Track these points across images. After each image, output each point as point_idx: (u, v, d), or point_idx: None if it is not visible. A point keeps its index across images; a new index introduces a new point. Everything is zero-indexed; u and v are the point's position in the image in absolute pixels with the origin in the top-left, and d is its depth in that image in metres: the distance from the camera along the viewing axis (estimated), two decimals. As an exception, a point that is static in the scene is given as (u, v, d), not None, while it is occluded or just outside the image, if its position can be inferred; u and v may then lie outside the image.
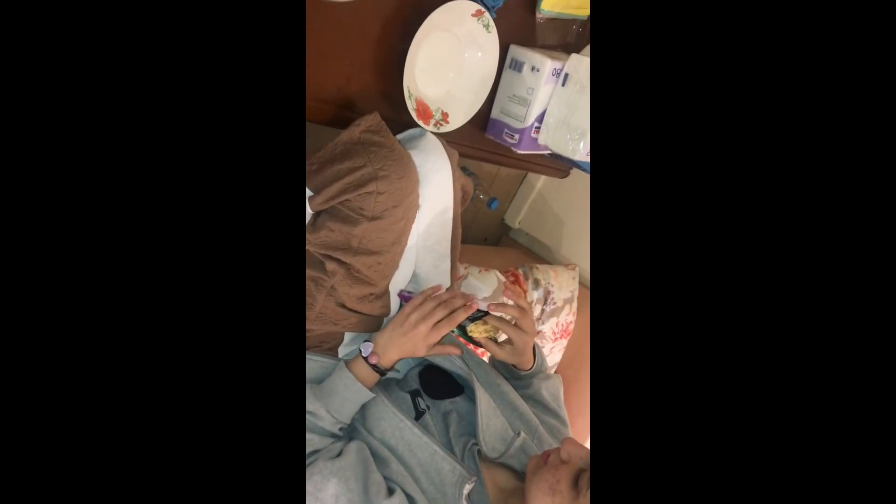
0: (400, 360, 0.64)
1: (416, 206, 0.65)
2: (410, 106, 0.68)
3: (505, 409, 0.64)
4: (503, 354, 0.69)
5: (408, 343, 0.62)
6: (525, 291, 1.25)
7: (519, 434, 0.60)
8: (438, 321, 0.62)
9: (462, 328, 0.66)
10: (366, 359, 0.62)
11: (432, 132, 0.73)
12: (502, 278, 1.18)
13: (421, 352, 0.63)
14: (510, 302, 0.69)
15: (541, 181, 1.66)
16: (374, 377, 0.62)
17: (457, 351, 0.66)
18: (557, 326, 1.37)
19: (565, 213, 1.61)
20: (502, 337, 0.69)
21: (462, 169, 1.21)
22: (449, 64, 0.74)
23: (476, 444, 0.59)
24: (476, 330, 0.67)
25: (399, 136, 0.70)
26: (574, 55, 0.75)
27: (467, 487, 0.54)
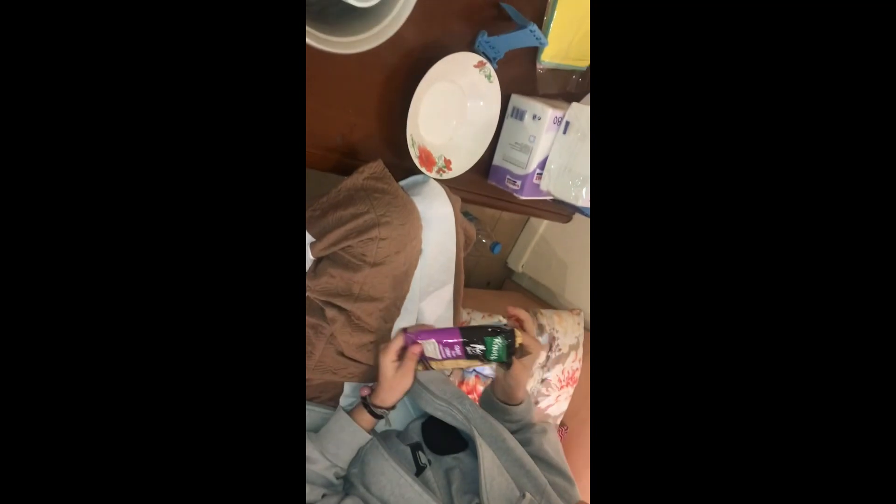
0: (392, 400, 0.62)
1: (419, 252, 0.64)
2: (413, 154, 0.69)
3: (511, 466, 0.61)
4: (500, 373, 0.67)
5: (384, 377, 0.61)
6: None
7: (524, 496, 0.57)
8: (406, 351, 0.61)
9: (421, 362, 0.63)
10: (363, 399, 0.61)
11: (434, 178, 0.73)
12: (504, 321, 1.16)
13: (396, 383, 0.61)
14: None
15: (543, 225, 1.66)
16: (370, 421, 0.61)
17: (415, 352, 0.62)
18: (563, 374, 1.33)
19: (568, 257, 1.60)
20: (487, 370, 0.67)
21: (464, 214, 1.21)
22: (451, 113, 0.75)
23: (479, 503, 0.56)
24: (437, 364, 0.63)
25: (402, 183, 0.70)
26: (574, 104, 0.76)
27: None
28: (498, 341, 0.58)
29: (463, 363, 0.61)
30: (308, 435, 0.60)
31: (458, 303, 0.75)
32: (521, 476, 0.61)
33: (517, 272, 1.73)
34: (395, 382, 0.60)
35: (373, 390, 0.62)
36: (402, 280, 0.63)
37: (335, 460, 0.58)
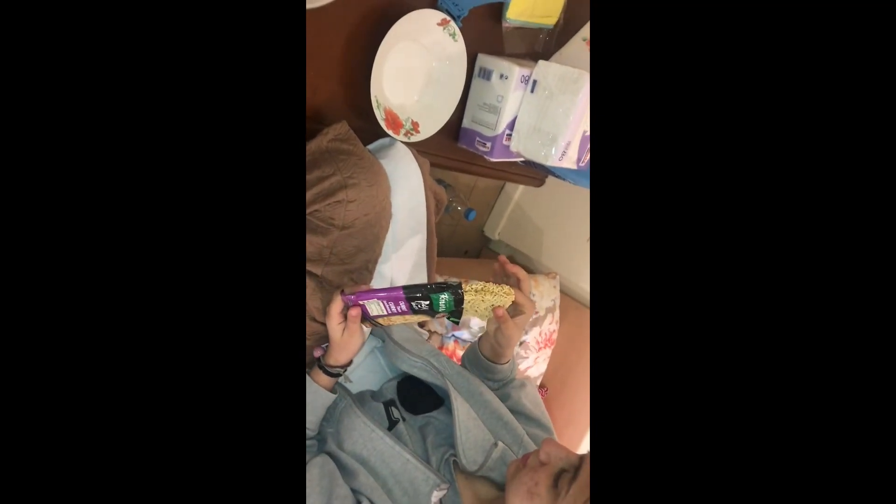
0: (345, 359, 0.61)
1: (389, 215, 0.64)
2: (379, 116, 0.68)
3: (488, 419, 0.62)
4: (492, 329, 0.66)
5: (332, 339, 0.60)
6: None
7: (496, 444, 0.58)
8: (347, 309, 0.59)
9: (366, 320, 0.61)
10: (318, 359, 0.61)
11: (402, 141, 0.72)
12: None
13: (345, 343, 0.60)
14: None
15: (518, 192, 1.67)
16: (328, 380, 0.62)
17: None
18: (541, 336, 1.36)
19: (543, 222, 1.62)
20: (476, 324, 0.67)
21: (438, 181, 1.20)
22: (417, 73, 0.74)
23: (454, 454, 0.57)
24: (385, 320, 0.61)
25: (369, 147, 0.69)
26: (542, 62, 0.76)
27: (436, 495, 0.52)
28: (445, 296, 0.57)
29: (411, 318, 0.60)
30: None
31: (432, 266, 0.75)
32: (498, 427, 0.62)
33: (494, 240, 1.74)
34: (343, 343, 0.60)
35: (326, 350, 0.63)
36: (372, 242, 0.63)
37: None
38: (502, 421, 0.63)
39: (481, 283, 0.62)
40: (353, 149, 0.60)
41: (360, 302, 0.59)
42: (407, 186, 0.65)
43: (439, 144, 0.83)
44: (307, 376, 0.62)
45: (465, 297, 0.59)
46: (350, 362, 0.64)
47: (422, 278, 0.74)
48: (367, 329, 0.70)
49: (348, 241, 0.59)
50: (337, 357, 0.61)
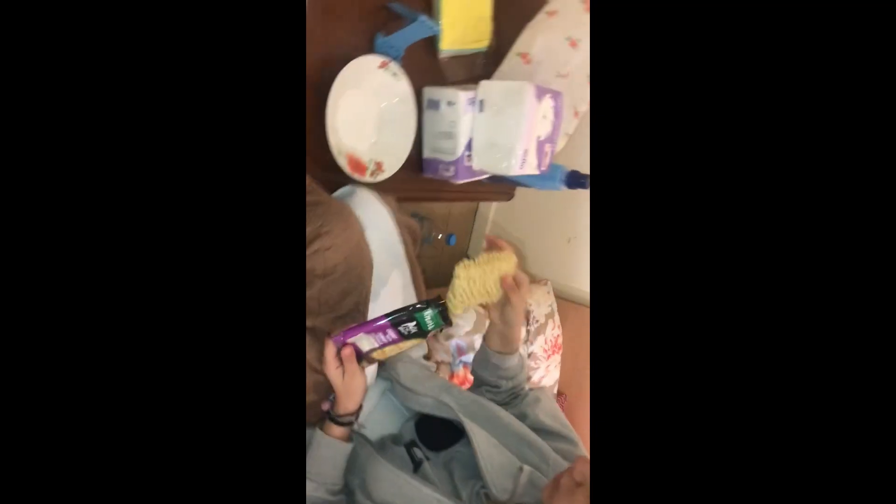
0: (354, 405, 0.61)
1: (370, 255, 0.65)
2: (342, 163, 0.70)
3: (511, 441, 0.61)
4: (496, 316, 0.66)
5: (337, 382, 0.60)
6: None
7: (522, 468, 0.56)
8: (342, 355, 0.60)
9: (362, 358, 0.61)
10: (327, 412, 0.61)
11: (369, 182, 0.75)
12: (480, 310, 1.19)
13: (349, 387, 0.60)
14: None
15: (492, 211, 1.70)
16: (342, 431, 0.61)
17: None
18: (547, 343, 1.36)
19: (522, 233, 1.65)
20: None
21: (414, 215, 1.23)
22: (369, 116, 0.77)
23: (483, 486, 0.56)
24: (380, 353, 0.61)
25: (333, 196, 0.72)
26: (483, 82, 0.80)
27: None
28: (429, 312, 0.56)
29: (405, 344, 0.60)
30: None
31: (421, 296, 0.76)
32: (522, 448, 0.60)
33: (480, 261, 1.76)
34: (346, 387, 0.60)
35: (332, 402, 0.62)
36: (357, 284, 0.64)
37: (320, 479, 0.58)
38: (525, 441, 0.61)
39: (483, 255, 0.64)
40: (319, 199, 0.62)
41: (349, 341, 0.59)
42: (378, 227, 0.67)
43: (406, 179, 0.86)
44: (320, 432, 0.61)
45: (474, 274, 0.61)
46: (360, 408, 0.63)
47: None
48: (371, 369, 0.70)
49: (333, 287, 0.61)
50: (345, 405, 0.61)
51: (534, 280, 1.56)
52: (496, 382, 0.71)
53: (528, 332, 1.32)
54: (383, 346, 0.59)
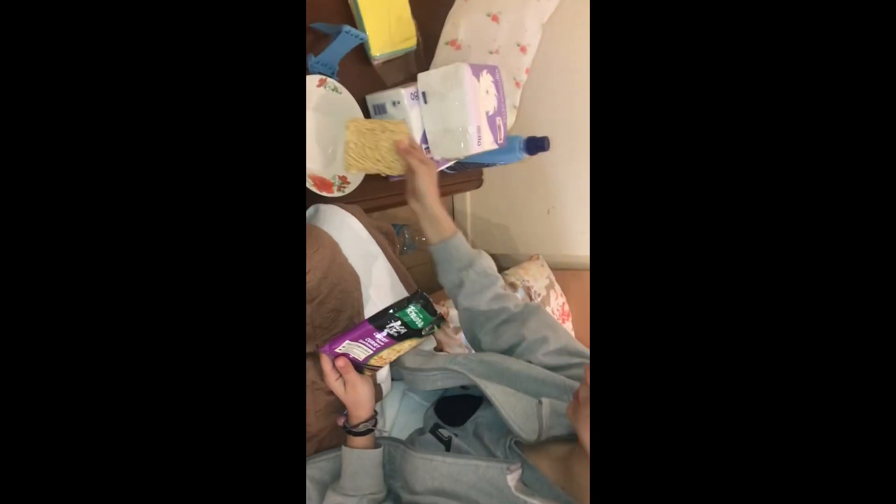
0: (365, 412, 0.63)
1: (350, 268, 0.66)
2: (308, 184, 0.72)
3: (526, 386, 0.61)
4: (413, 203, 0.70)
5: (340, 394, 0.62)
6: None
7: (540, 402, 0.56)
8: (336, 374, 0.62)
9: (362, 367, 0.62)
10: (344, 427, 0.63)
11: (338, 196, 0.76)
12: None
13: (354, 397, 0.62)
14: None
15: (468, 204, 1.72)
16: (364, 440, 0.62)
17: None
18: (554, 313, 1.38)
19: (502, 217, 1.67)
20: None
21: (394, 226, 1.24)
22: (322, 134, 0.79)
23: (513, 436, 0.57)
24: (377, 360, 0.62)
25: None
26: (420, 74, 0.82)
27: (511, 478, 0.51)
28: (412, 308, 0.55)
29: (402, 346, 0.60)
30: (332, 486, 0.61)
31: (409, 284, 0.77)
32: (539, 388, 0.61)
33: (470, 257, 1.78)
34: (352, 397, 0.61)
35: (346, 415, 0.64)
36: (346, 300, 0.65)
37: (358, 491, 0.59)
38: (539, 380, 0.62)
39: (366, 121, 0.68)
40: None
41: (339, 350, 0.58)
42: (349, 236, 0.68)
43: (373, 188, 0.87)
44: (345, 448, 0.62)
45: (362, 128, 0.66)
46: (374, 414, 0.64)
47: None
48: (385, 375, 0.70)
49: (323, 308, 0.62)
50: (357, 414, 0.62)
51: (526, 258, 1.58)
52: (461, 278, 0.70)
53: (533, 307, 1.33)
54: (377, 351, 0.59)
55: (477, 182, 1.28)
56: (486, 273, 0.72)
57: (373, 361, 0.61)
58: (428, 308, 0.56)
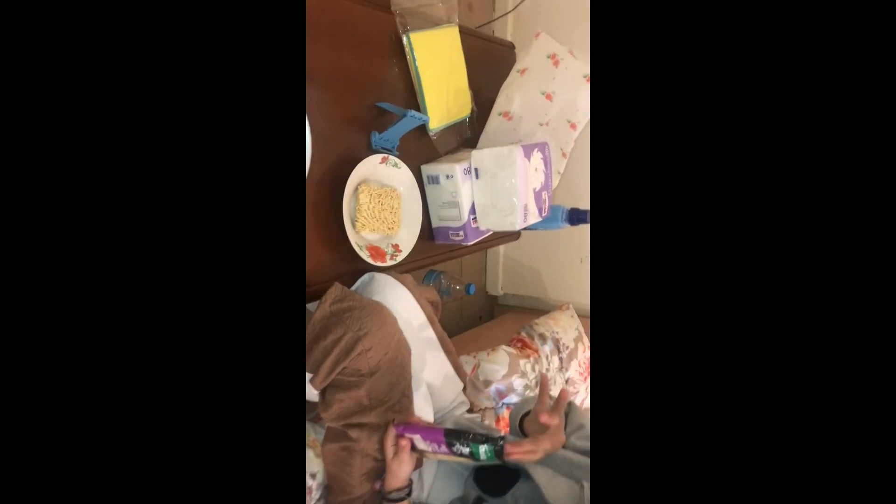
0: (399, 482, 0.67)
1: (406, 343, 0.71)
2: (365, 256, 0.77)
3: (563, 467, 0.65)
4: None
5: (386, 460, 0.67)
6: (536, 351, 1.30)
7: (582, 486, 0.61)
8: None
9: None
10: (378, 492, 0.67)
11: (389, 265, 0.81)
12: (511, 350, 1.23)
13: (396, 468, 0.66)
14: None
15: (502, 246, 1.76)
16: None
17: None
18: (581, 366, 1.40)
19: (535, 262, 1.70)
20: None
21: (430, 272, 1.29)
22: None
23: None
24: (431, 455, 0.67)
25: (352, 289, 0.77)
26: (475, 151, 0.87)
27: None
28: (484, 448, 0.60)
29: (453, 458, 0.65)
30: None
31: (455, 361, 0.81)
32: (575, 471, 0.65)
33: (500, 295, 1.81)
34: (394, 467, 0.66)
35: (382, 481, 0.68)
36: (399, 374, 0.69)
37: None
38: (574, 463, 0.65)
39: (376, 187, 0.78)
40: (352, 304, 0.67)
41: (408, 435, 0.65)
42: (402, 308, 0.72)
43: (421, 250, 0.92)
44: None
45: (368, 203, 0.75)
46: (409, 483, 0.69)
47: (450, 374, 0.80)
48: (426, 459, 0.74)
49: (380, 382, 0.66)
50: (391, 483, 0.67)
51: (555, 306, 1.61)
52: None
53: (560, 359, 1.36)
54: (435, 452, 0.65)
55: (515, 236, 1.32)
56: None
57: (427, 455, 0.67)
58: (498, 453, 0.61)
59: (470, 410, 0.93)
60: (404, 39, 0.84)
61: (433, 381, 0.79)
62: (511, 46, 1.20)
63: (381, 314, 0.67)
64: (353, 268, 0.79)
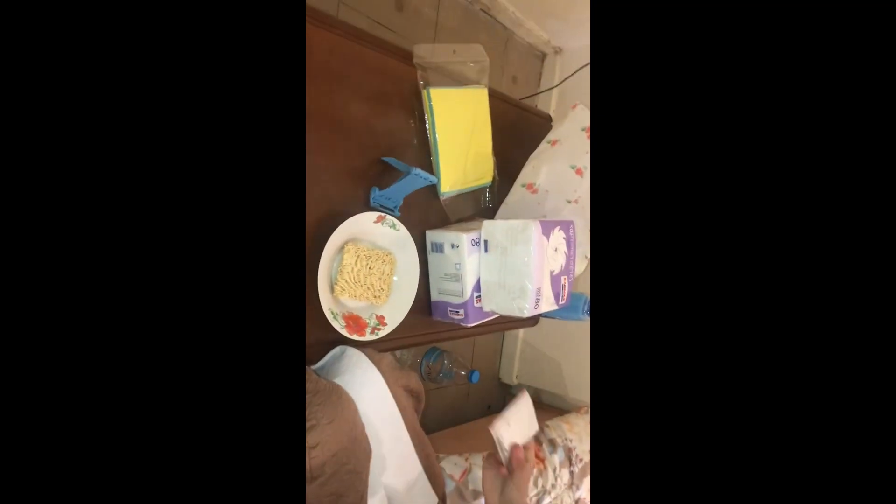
0: None
1: (365, 441, 0.57)
2: (339, 326, 0.66)
3: None
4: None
5: None
6: (543, 461, 1.11)
7: None
8: None
9: None
10: None
11: (371, 340, 0.69)
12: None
13: None
14: None
15: (522, 330, 1.61)
16: None
17: None
18: (595, 486, 1.19)
19: (557, 353, 1.53)
20: None
21: (432, 349, 1.15)
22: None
23: None
24: None
25: (320, 364, 0.66)
26: (486, 222, 0.76)
27: None
28: None
29: None
30: None
31: (432, 469, 0.66)
32: None
33: (514, 385, 1.63)
34: None
35: None
36: (349, 483, 0.55)
37: None
38: None
39: (364, 248, 0.69)
40: (314, 386, 0.56)
41: None
42: (370, 395, 0.59)
43: (414, 325, 0.80)
44: None
45: (353, 264, 0.68)
46: None
47: (423, 486, 0.65)
48: None
49: (322, 491, 0.52)
50: None
51: (574, 406, 1.41)
52: None
53: (571, 473, 1.15)
54: None
55: (532, 321, 1.18)
56: None
57: None
58: None
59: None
60: (423, 94, 0.77)
61: (397, 486, 0.64)
62: (548, 118, 1.13)
63: (335, 404, 0.55)
64: (326, 338, 0.68)
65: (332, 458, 0.52)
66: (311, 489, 0.52)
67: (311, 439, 0.51)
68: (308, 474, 0.51)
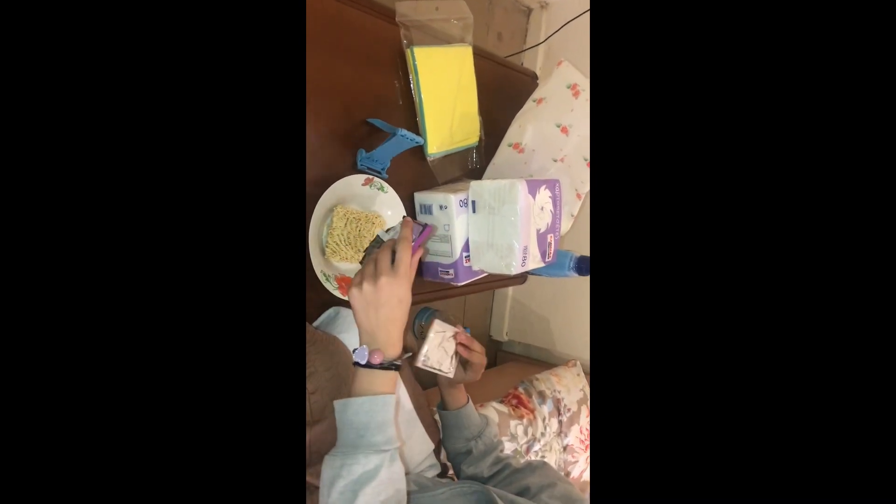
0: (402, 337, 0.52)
1: None
2: (331, 287, 0.67)
3: None
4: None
5: (392, 308, 0.51)
6: (532, 411, 1.16)
7: None
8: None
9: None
10: (371, 365, 0.50)
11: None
12: (503, 409, 1.10)
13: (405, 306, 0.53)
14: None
15: (511, 288, 1.64)
16: (390, 378, 0.50)
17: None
18: (582, 433, 1.25)
19: (545, 309, 1.57)
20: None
21: (423, 309, 1.18)
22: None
23: None
24: None
25: (315, 325, 0.68)
26: (473, 183, 0.77)
27: None
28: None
29: None
30: (343, 453, 0.48)
31: (427, 420, 0.70)
32: None
33: (504, 341, 1.68)
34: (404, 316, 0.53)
35: (369, 350, 0.51)
36: None
37: (391, 444, 0.48)
38: None
39: (354, 210, 0.70)
40: (310, 337, 0.58)
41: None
42: None
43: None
44: (369, 398, 0.49)
45: (342, 227, 0.68)
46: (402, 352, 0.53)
47: (420, 433, 0.69)
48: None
49: (329, 435, 0.55)
50: (394, 343, 0.52)
51: (562, 361, 1.46)
52: (469, 448, 0.73)
53: (559, 422, 1.21)
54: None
55: (520, 279, 1.20)
56: (492, 442, 0.76)
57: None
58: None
59: (442, 475, 0.81)
60: (407, 53, 0.76)
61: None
62: (534, 76, 1.12)
63: (332, 353, 0.57)
64: (320, 298, 0.70)
65: (332, 403, 0.55)
66: (315, 432, 0.55)
67: (309, 385, 0.53)
68: (309, 417, 0.54)
